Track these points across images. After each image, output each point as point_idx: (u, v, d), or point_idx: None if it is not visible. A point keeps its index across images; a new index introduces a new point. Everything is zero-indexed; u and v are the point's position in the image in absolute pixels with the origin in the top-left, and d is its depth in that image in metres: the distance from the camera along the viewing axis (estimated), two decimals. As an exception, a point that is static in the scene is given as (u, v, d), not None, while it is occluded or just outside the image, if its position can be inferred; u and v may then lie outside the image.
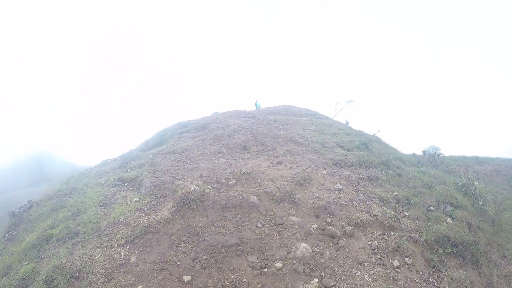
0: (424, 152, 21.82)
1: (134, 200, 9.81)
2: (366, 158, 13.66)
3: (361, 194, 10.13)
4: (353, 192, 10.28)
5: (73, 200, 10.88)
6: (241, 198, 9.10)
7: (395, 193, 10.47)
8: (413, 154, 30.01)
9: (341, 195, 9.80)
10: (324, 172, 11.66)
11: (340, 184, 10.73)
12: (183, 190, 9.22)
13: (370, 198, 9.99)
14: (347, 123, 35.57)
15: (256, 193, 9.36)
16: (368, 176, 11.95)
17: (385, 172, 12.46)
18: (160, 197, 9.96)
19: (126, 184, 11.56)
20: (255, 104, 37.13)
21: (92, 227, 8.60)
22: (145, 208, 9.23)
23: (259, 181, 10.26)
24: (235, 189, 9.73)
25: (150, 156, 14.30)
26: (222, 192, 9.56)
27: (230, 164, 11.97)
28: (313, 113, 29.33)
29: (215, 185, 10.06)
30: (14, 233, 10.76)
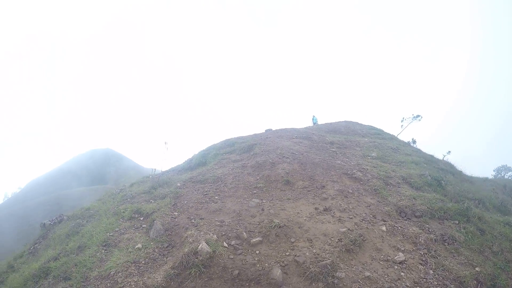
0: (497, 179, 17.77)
1: (136, 246, 8.19)
2: (439, 205, 10.55)
3: (431, 271, 7.21)
4: (420, 265, 7.40)
5: (87, 228, 10.31)
6: (260, 268, 6.78)
7: (476, 268, 7.41)
8: (485, 179, 25.17)
9: (402, 272, 6.97)
10: (384, 228, 8.84)
11: (404, 250, 7.91)
12: (189, 248, 7.23)
13: (443, 278, 7.13)
14: (414, 142, 31.95)
15: (283, 262, 6.97)
16: (441, 235, 8.91)
17: (464, 228, 9.33)
18: (167, 246, 8.21)
19: (141, 219, 10.26)
20: (312, 119, 35.72)
21: (84, 274, 7.45)
22: (143, 261, 7.50)
23: (292, 240, 7.84)
24: (257, 251, 7.46)
25: (178, 185, 12.89)
26: (239, 254, 7.35)
27: (262, 209, 9.69)
28: (377, 132, 26.07)
29: (233, 242, 7.87)
30: (38, 246, 11.16)
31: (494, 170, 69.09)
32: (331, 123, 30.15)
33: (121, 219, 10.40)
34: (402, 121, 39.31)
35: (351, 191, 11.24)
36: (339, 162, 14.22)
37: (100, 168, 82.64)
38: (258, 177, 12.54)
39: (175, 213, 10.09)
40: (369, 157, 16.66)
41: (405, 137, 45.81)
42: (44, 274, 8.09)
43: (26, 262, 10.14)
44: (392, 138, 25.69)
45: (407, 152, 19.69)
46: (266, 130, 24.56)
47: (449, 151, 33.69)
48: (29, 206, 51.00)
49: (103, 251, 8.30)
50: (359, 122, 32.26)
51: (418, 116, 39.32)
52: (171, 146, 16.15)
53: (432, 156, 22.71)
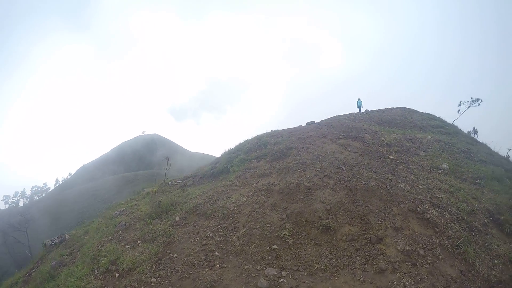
0: None
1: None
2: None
3: None
4: None
5: (61, 276, 8.34)
6: None
7: None
8: None
9: None
10: None
11: None
12: None
13: None
14: (475, 132, 27.58)
15: None
16: None
17: None
18: None
19: (116, 275, 7.70)
20: (357, 102, 32.80)
21: None
22: None
23: None
24: None
25: (177, 219, 10.06)
26: None
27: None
28: (439, 124, 21.41)
29: None
30: (33, 273, 9.92)
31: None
32: (383, 111, 25.55)
33: (95, 271, 7.85)
34: (459, 105, 34.48)
35: (422, 252, 7.47)
36: (402, 185, 10.25)
37: (147, 153, 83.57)
38: (285, 215, 8.93)
39: (153, 279, 7.09)
40: (439, 171, 12.53)
41: (462, 123, 40.44)
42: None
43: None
44: (457, 132, 20.89)
45: (481, 157, 15.25)
46: (307, 123, 20.72)
47: None
48: (67, 196, 51.63)
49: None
50: (415, 109, 27.36)
51: (477, 100, 34.13)
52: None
53: (508, 160, 18.00)
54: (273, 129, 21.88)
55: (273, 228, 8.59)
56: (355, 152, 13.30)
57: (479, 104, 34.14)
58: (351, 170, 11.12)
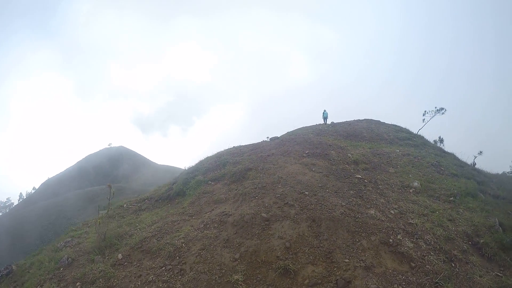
0: None
1: None
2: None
3: None
4: None
5: None
6: None
7: None
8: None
9: None
10: None
11: None
12: None
13: None
14: (441, 141, 27.04)
15: None
16: None
17: None
18: None
19: None
20: (323, 113, 33.76)
21: None
22: None
23: None
24: None
25: (120, 257, 8.36)
26: None
27: None
28: (406, 136, 20.78)
29: None
30: None
31: (512, 162, 63.03)
32: (349, 123, 24.82)
33: None
34: (424, 115, 34.53)
35: (398, 294, 6.19)
36: (372, 212, 9.02)
37: (113, 166, 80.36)
38: (238, 254, 7.41)
39: None
40: (411, 190, 11.50)
41: (426, 132, 41.02)
42: None
43: None
44: (425, 143, 20.35)
45: (452, 171, 14.49)
46: (270, 139, 19.46)
47: (481, 152, 27.87)
48: (31, 212, 48.01)
49: None
50: (381, 120, 26.86)
51: (442, 109, 34.34)
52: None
53: (477, 171, 17.40)
54: (236, 145, 20.56)
55: (223, 271, 7.07)
56: (320, 172, 12.08)
57: (443, 113, 34.26)
58: (315, 195, 9.81)
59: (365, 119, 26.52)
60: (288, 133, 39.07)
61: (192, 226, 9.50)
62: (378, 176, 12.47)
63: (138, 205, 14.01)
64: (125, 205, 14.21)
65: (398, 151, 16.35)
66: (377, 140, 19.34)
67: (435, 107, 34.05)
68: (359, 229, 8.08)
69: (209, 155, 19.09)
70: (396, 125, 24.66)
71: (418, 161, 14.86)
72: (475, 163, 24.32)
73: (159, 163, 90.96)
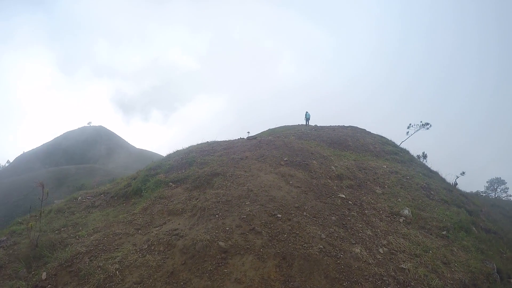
0: None
1: None
2: None
3: None
4: None
5: None
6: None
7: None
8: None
9: None
10: None
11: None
12: None
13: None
14: (424, 157, 25.60)
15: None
16: None
17: None
18: None
19: None
20: (305, 115, 34.86)
21: None
22: None
23: None
24: None
25: (44, 276, 6.45)
26: None
27: None
28: (392, 150, 19.22)
29: None
30: None
31: (487, 182, 63.65)
32: (333, 129, 23.11)
33: None
34: (408, 128, 33.58)
35: None
36: (357, 250, 7.19)
37: (91, 145, 77.99)
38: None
39: None
40: (401, 220, 9.81)
41: (409, 145, 40.44)
42: None
43: None
44: (411, 160, 18.83)
45: (442, 196, 13.04)
46: (248, 138, 17.47)
47: (463, 172, 27.77)
48: (2, 186, 44.85)
49: None
50: (366, 129, 25.33)
51: (427, 124, 33.48)
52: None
53: (465, 197, 16.01)
54: (210, 140, 18.57)
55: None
56: (298, 187, 10.22)
57: (428, 128, 33.30)
58: (290, 220, 7.92)
59: (350, 126, 24.91)
60: (270, 130, 37.40)
61: (135, 245, 7.45)
62: (364, 198, 10.74)
63: (92, 200, 12.00)
64: (79, 198, 12.25)
65: (385, 166, 14.72)
66: (362, 151, 17.69)
67: (421, 121, 33.09)
68: (340, 275, 6.26)
69: (179, 149, 17.07)
70: (382, 137, 23.16)
71: (407, 182, 13.27)
72: (457, 183, 23.38)
73: (137, 147, 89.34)
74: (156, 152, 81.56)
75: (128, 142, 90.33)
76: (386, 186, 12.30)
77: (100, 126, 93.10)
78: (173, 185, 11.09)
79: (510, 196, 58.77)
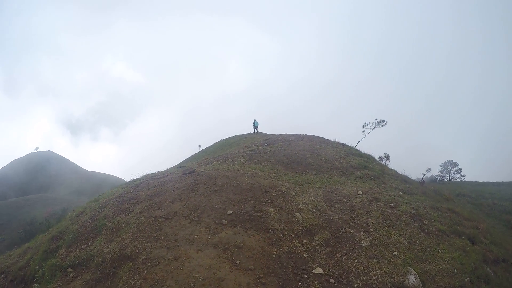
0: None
1: None
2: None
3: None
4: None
5: None
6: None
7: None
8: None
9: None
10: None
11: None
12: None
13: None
14: (387, 158, 24.60)
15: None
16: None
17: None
18: None
19: None
20: (253, 123, 34.97)
21: None
22: None
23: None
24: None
25: None
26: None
27: None
28: (360, 163, 16.08)
29: None
30: None
31: (440, 165, 64.62)
32: (288, 142, 19.53)
33: None
34: (364, 127, 31.63)
35: None
36: None
37: (40, 173, 69.97)
38: None
39: None
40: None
41: (365, 145, 39.08)
42: None
43: None
44: (383, 171, 15.89)
45: (437, 225, 10.26)
46: (184, 172, 13.14)
47: (429, 169, 28.00)
48: None
49: None
50: (324, 137, 22.22)
51: (382, 121, 31.58)
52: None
53: (455, 213, 13.13)
54: (139, 176, 14.45)
55: None
56: (251, 269, 6.43)
57: (383, 125, 31.23)
58: None
59: (306, 136, 21.55)
60: (222, 142, 33.93)
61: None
62: (350, 264, 7.17)
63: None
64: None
65: (361, 193, 11.38)
66: (327, 170, 14.33)
67: (376, 119, 31.13)
68: None
69: (92, 200, 12.66)
70: (343, 144, 20.15)
71: (393, 213, 10.00)
72: (424, 181, 21.20)
73: (88, 170, 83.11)
74: (109, 173, 78.85)
75: (79, 165, 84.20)
76: (371, 230, 8.88)
77: (49, 151, 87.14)
78: (72, 274, 7.25)
79: (464, 176, 59.87)
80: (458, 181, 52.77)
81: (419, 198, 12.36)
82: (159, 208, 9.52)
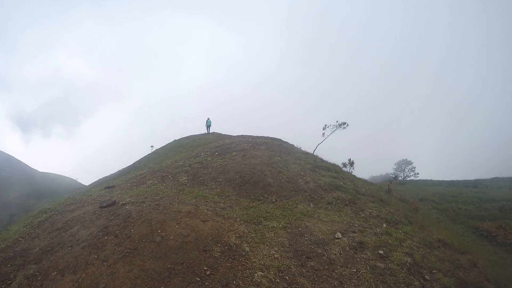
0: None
1: None
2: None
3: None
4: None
5: None
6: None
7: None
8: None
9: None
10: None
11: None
12: None
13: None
14: (351, 164, 23.36)
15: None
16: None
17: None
18: None
19: None
20: (207, 122, 33.43)
21: None
22: None
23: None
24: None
25: None
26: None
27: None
28: (331, 182, 13.21)
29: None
30: None
31: (395, 164, 65.29)
32: (243, 152, 16.20)
33: None
34: (324, 129, 29.73)
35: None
36: None
37: None
38: None
39: None
40: None
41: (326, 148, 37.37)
42: None
43: None
44: (357, 190, 13.16)
45: (439, 277, 7.13)
46: (100, 206, 9.38)
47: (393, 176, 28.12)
48: None
49: None
50: (287, 142, 19.21)
51: (344, 123, 29.89)
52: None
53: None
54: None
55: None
56: None
57: (345, 128, 29.32)
58: None
59: (264, 143, 18.25)
60: (175, 142, 30.92)
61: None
62: None
63: None
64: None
65: (339, 234, 8.31)
66: (291, 194, 11.19)
67: (337, 121, 29.32)
68: None
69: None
70: (307, 153, 17.28)
71: (388, 269, 7.01)
72: (390, 189, 19.42)
73: (40, 170, 74.71)
74: (61, 174, 72.77)
75: (30, 166, 74.92)
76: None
77: (-4, 151, 77.87)
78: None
79: (418, 174, 60.50)
80: (413, 179, 53.15)
81: (406, 230, 9.61)
82: (41, 286, 5.81)
